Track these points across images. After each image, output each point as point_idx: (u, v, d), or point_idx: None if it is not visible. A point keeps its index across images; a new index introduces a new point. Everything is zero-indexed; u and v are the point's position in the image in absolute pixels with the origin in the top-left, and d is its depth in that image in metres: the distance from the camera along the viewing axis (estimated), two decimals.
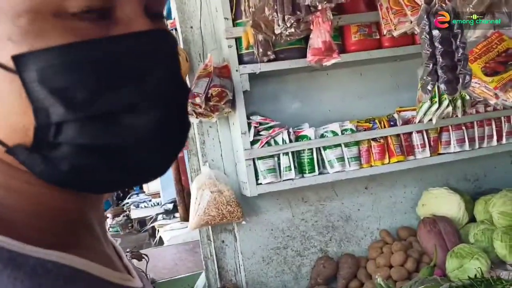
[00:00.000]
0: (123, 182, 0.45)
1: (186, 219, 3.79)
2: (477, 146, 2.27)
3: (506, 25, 1.48)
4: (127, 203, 7.22)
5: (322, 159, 2.16)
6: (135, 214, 6.68)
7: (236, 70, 2.05)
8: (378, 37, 2.13)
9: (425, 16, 1.35)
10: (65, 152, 0.40)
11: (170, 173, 4.37)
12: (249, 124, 2.08)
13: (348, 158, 2.14)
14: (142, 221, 6.55)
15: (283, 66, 2.07)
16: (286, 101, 2.28)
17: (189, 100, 1.99)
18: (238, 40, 2.06)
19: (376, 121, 2.21)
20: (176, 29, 2.27)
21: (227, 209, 2.11)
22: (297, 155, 2.12)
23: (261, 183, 2.07)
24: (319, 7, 1.51)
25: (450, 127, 2.23)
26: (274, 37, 1.78)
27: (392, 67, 2.35)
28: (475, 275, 1.86)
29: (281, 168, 2.09)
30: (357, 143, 2.15)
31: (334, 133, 2.14)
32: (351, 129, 2.15)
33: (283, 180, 2.08)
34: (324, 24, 1.65)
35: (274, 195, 2.22)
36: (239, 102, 2.05)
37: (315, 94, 2.31)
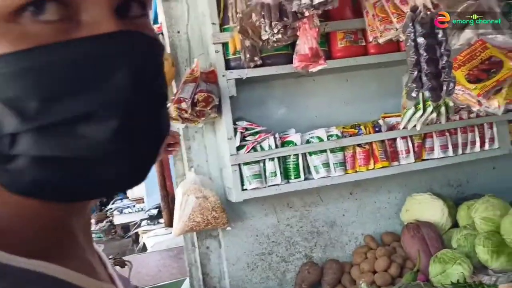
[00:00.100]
0: (90, 193, 0.43)
1: (170, 225, 3.75)
2: (460, 152, 2.31)
3: (489, 33, 1.51)
4: (111, 208, 7.13)
5: (308, 165, 2.16)
6: (118, 219, 6.61)
7: (223, 75, 2.04)
8: (364, 43, 2.16)
9: (410, 24, 1.37)
10: (23, 164, 0.39)
11: (155, 178, 4.34)
12: (235, 130, 2.08)
13: (333, 164, 2.15)
14: (125, 227, 6.47)
15: (269, 72, 2.07)
16: (272, 107, 2.29)
17: (175, 105, 1.98)
18: (225, 45, 2.06)
19: (362, 127, 2.23)
20: (162, 34, 2.26)
21: (212, 215, 2.10)
22: (282, 160, 2.12)
23: (246, 189, 2.06)
24: (306, 14, 1.52)
25: (434, 133, 2.26)
26: (261, 43, 1.79)
27: (377, 73, 2.37)
28: (458, 280, 1.88)
29: (267, 174, 2.09)
30: (342, 148, 2.16)
31: (320, 139, 2.15)
32: (336, 135, 2.17)
33: (269, 186, 2.08)
34: (310, 31, 1.66)
35: (259, 200, 2.21)
36: (226, 108, 2.05)
37: (301, 100, 2.32)
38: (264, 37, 1.66)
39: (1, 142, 0.38)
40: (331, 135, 2.17)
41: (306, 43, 1.70)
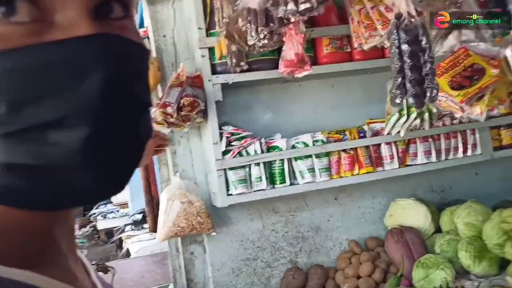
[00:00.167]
0: (64, 202, 0.41)
1: (155, 230, 3.72)
2: (443, 158, 2.34)
3: (472, 41, 1.54)
4: (94, 213, 7.04)
5: (293, 170, 2.17)
6: (102, 225, 6.52)
7: (209, 80, 2.04)
8: (349, 50, 2.18)
9: (394, 31, 1.39)
10: None
11: (140, 182, 4.30)
12: (221, 134, 2.07)
13: (318, 169, 2.16)
14: (109, 232, 6.39)
15: (256, 77, 2.08)
16: (258, 112, 2.29)
17: (161, 110, 1.97)
18: (211, 50, 2.06)
19: (347, 132, 2.24)
20: (148, 38, 2.25)
21: (197, 220, 2.08)
22: (268, 165, 2.12)
23: (231, 194, 2.06)
24: (292, 20, 1.53)
25: (417, 139, 2.29)
26: (247, 48, 1.79)
27: (362, 79, 2.40)
28: (440, 285, 1.90)
29: (252, 179, 2.08)
30: (328, 154, 2.18)
31: (305, 144, 2.16)
32: (322, 140, 2.18)
33: (254, 191, 2.08)
34: (296, 37, 1.67)
35: (244, 205, 2.21)
36: (211, 112, 2.04)
37: (287, 105, 2.33)
38: (250, 42, 1.66)
39: None
40: (317, 141, 2.18)
41: (292, 48, 1.71)
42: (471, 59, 1.72)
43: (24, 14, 0.37)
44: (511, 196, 2.38)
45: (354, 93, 2.41)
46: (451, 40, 1.44)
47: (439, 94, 1.48)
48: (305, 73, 1.79)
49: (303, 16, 1.46)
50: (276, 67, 1.94)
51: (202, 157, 2.22)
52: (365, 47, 1.75)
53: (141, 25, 2.45)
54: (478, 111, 1.72)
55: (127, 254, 4.54)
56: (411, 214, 2.31)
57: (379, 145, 2.26)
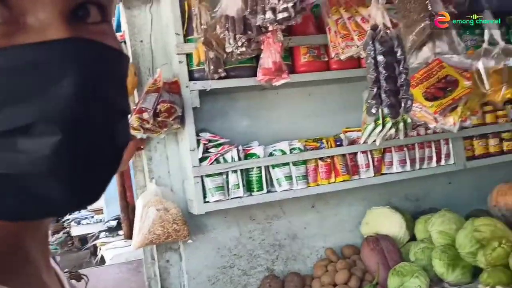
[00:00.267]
0: (34, 213, 0.39)
1: (130, 237, 3.66)
2: (417, 167, 2.38)
3: (446, 53, 1.57)
4: (68, 219, 6.89)
5: (271, 178, 2.17)
6: (76, 231, 6.39)
7: (186, 86, 2.03)
8: (326, 59, 2.20)
9: (370, 42, 1.40)
10: None
11: (115, 188, 4.23)
12: (198, 141, 2.06)
13: (295, 177, 2.17)
14: (83, 239, 6.27)
15: (233, 84, 2.08)
16: (236, 119, 2.29)
17: (137, 115, 1.95)
18: (189, 56, 2.04)
19: (324, 140, 2.26)
20: (125, 42, 2.22)
21: (173, 227, 2.06)
22: (245, 173, 2.12)
23: (208, 201, 2.04)
24: (270, 28, 1.54)
25: (392, 148, 2.32)
26: (225, 55, 1.78)
27: (339, 88, 2.42)
28: None
29: (230, 186, 2.08)
30: (305, 162, 2.18)
31: (283, 152, 2.16)
32: (299, 148, 2.19)
33: (231, 198, 2.07)
34: (274, 45, 1.67)
35: (221, 213, 2.20)
36: (189, 119, 2.03)
37: (264, 113, 2.33)
38: (228, 50, 1.66)
39: None
40: (294, 148, 2.18)
41: (270, 57, 1.71)
42: (445, 70, 1.75)
43: None
44: (484, 205, 2.43)
45: (331, 101, 2.43)
46: (426, 51, 1.47)
47: (413, 104, 1.50)
48: (282, 81, 1.80)
49: (281, 25, 1.47)
50: (254, 74, 1.94)
51: (179, 163, 2.20)
52: (342, 57, 1.77)
53: (118, 29, 2.42)
54: (451, 121, 1.75)
55: (102, 261, 4.45)
56: (387, 222, 2.33)
57: (355, 153, 2.28)
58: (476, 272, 2.04)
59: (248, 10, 1.47)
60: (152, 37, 2.19)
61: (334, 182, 2.23)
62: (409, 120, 2.06)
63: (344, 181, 2.23)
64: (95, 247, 5.26)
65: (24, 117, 0.35)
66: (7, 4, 0.36)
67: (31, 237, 0.44)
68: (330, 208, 2.44)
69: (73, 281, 2.39)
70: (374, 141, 2.16)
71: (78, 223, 6.51)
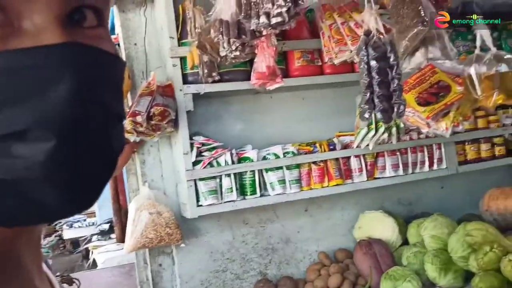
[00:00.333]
0: (28, 218, 0.39)
1: (122, 240, 3.63)
2: (410, 171, 2.39)
3: (438, 58, 1.58)
4: (60, 222, 6.85)
5: (264, 181, 2.17)
6: (67, 234, 6.33)
7: (180, 90, 2.03)
8: (320, 63, 2.20)
9: (363, 47, 1.41)
10: None
11: (107, 191, 4.21)
12: (191, 145, 2.06)
13: (289, 181, 2.17)
14: (75, 242, 6.21)
15: (227, 88, 2.08)
16: (229, 123, 2.29)
17: (130, 118, 1.94)
18: (183, 59, 2.04)
19: (317, 144, 2.26)
20: (119, 45, 2.22)
21: (166, 231, 2.05)
22: (239, 176, 2.12)
23: (201, 205, 2.04)
24: (264, 33, 1.54)
25: (385, 153, 2.33)
26: (219, 59, 1.79)
27: (332, 92, 2.43)
28: None
29: (223, 190, 2.07)
30: (298, 166, 2.19)
31: (276, 156, 2.16)
32: (292, 152, 2.19)
33: (225, 202, 2.07)
34: (268, 49, 1.68)
35: (214, 217, 2.19)
36: (182, 122, 2.02)
37: (258, 116, 2.33)
38: (222, 54, 1.66)
39: None
40: (287, 152, 2.19)
41: (263, 61, 1.72)
42: (437, 76, 1.77)
43: None
44: (475, 210, 2.45)
45: (324, 106, 2.44)
46: (418, 57, 1.48)
47: (406, 109, 1.51)
48: (276, 85, 1.80)
49: (274, 29, 1.47)
50: (248, 78, 1.94)
51: (172, 167, 2.19)
52: (336, 61, 1.78)
53: (112, 32, 2.41)
54: (443, 127, 1.76)
55: (94, 264, 4.43)
56: (379, 226, 2.34)
57: (348, 157, 2.28)
58: (468, 276, 2.05)
59: (242, 14, 1.47)
60: (146, 40, 2.18)
61: (327, 186, 2.23)
62: (401, 125, 2.07)
63: (337, 185, 2.24)
64: (87, 250, 5.22)
65: (19, 122, 0.35)
66: (2, 8, 0.35)
67: (23, 242, 0.44)
68: (323, 212, 2.44)
69: (65, 285, 2.37)
70: (367, 145, 2.17)
71: (70, 226, 6.46)
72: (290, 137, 2.31)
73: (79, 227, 6.36)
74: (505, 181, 2.61)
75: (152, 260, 2.20)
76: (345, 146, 2.31)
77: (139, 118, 1.94)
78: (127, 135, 1.98)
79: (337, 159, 2.26)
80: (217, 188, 2.06)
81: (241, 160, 2.14)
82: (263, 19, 1.42)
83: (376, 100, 1.38)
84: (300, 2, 1.34)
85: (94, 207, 6.16)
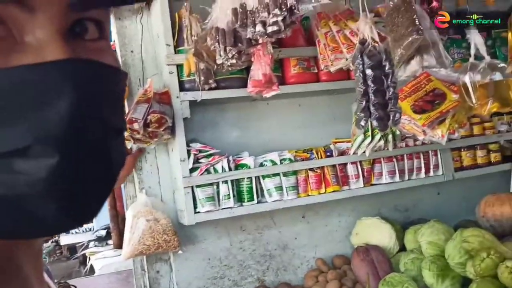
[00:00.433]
0: (29, 232, 0.39)
1: (119, 247, 3.63)
2: (406, 178, 2.39)
3: (433, 66, 1.59)
4: None
5: (261, 188, 2.17)
6: (65, 240, 6.31)
7: (177, 97, 2.03)
8: (316, 71, 2.21)
9: (359, 56, 1.42)
10: None
11: None
12: (188, 152, 2.06)
13: (286, 187, 2.17)
14: (72, 248, 6.19)
15: (224, 95, 2.08)
16: (226, 129, 2.29)
17: (127, 126, 1.94)
18: (179, 67, 2.05)
19: (314, 151, 2.27)
20: (115, 52, 2.22)
21: (163, 238, 2.05)
22: (236, 183, 2.12)
23: (199, 212, 2.04)
24: (260, 41, 1.55)
25: (382, 159, 2.34)
26: (215, 66, 1.79)
27: (329, 99, 2.44)
28: None
29: (220, 197, 2.07)
30: (295, 172, 2.19)
31: (273, 162, 2.17)
32: (289, 159, 2.19)
33: (222, 209, 2.07)
34: (264, 57, 1.68)
35: (212, 223, 2.19)
36: (179, 129, 2.03)
37: (254, 123, 2.34)
38: (218, 62, 1.67)
39: None
40: (284, 159, 2.19)
41: (260, 69, 1.72)
42: (433, 84, 1.78)
43: None
44: (472, 216, 2.45)
45: (320, 112, 2.44)
46: (414, 65, 1.49)
47: (402, 117, 1.52)
48: (272, 93, 1.81)
49: (271, 38, 1.48)
50: (244, 85, 1.95)
51: (169, 174, 2.20)
52: (331, 69, 1.79)
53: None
54: (439, 134, 1.77)
55: (91, 271, 4.41)
56: (376, 232, 2.34)
57: (345, 164, 2.29)
58: (465, 282, 2.05)
59: (238, 23, 1.48)
60: (143, 48, 2.19)
61: (324, 192, 2.24)
62: (398, 132, 2.08)
63: (334, 191, 2.24)
64: (84, 256, 5.21)
65: (21, 139, 0.35)
66: (4, 22, 0.35)
67: (24, 253, 0.44)
68: (320, 219, 2.45)
69: None
70: (364, 152, 2.17)
71: (67, 232, 6.44)
72: (286, 144, 2.32)
73: (76, 233, 6.34)
74: (501, 187, 2.62)
75: (150, 267, 2.19)
76: (342, 153, 2.32)
77: (136, 125, 1.94)
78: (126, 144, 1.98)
79: (334, 166, 2.26)
80: (214, 195, 2.06)
81: (238, 166, 2.14)
82: (259, 27, 1.43)
83: (372, 108, 1.39)
84: (295, 11, 1.36)
85: None
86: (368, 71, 1.39)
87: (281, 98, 2.27)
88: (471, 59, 1.70)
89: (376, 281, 2.13)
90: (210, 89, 2.03)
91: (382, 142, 2.05)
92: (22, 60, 0.36)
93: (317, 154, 2.26)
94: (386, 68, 1.39)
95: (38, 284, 0.46)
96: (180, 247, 2.09)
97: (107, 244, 4.91)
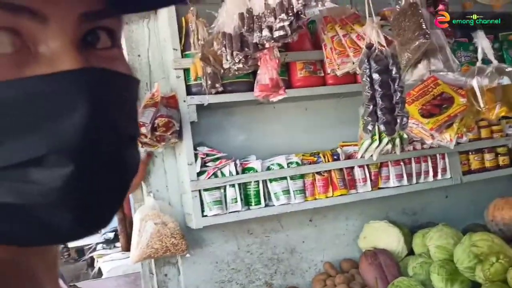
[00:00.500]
0: (44, 240, 0.40)
1: (127, 249, 3.64)
2: (414, 181, 2.38)
3: (441, 70, 1.58)
4: None
5: (268, 192, 2.17)
6: (72, 242, 6.35)
7: (184, 101, 2.04)
8: (322, 74, 2.21)
9: (366, 60, 1.42)
10: None
11: None
12: (196, 155, 2.06)
13: (293, 191, 2.17)
14: (80, 250, 6.22)
15: (231, 99, 2.09)
16: (233, 133, 2.29)
17: None
18: (186, 71, 2.06)
19: (321, 155, 2.27)
20: None
21: (171, 241, 2.06)
22: (243, 187, 2.12)
23: (206, 215, 2.04)
24: (267, 45, 1.55)
25: (389, 163, 2.33)
26: (222, 70, 1.80)
27: (335, 103, 2.43)
28: None
29: (227, 200, 2.08)
30: (302, 176, 2.19)
31: (280, 166, 2.17)
32: (296, 162, 2.19)
33: (229, 212, 2.07)
34: (271, 62, 1.69)
35: (219, 227, 2.19)
36: (186, 133, 2.04)
37: (261, 127, 2.34)
38: (225, 66, 1.68)
39: None
40: (291, 163, 2.19)
41: (266, 73, 1.73)
42: (440, 88, 1.77)
43: (7, 45, 0.35)
44: (480, 219, 2.43)
45: (327, 116, 2.44)
46: (421, 69, 1.48)
47: (410, 121, 1.51)
48: (279, 97, 1.81)
49: (277, 42, 1.48)
50: (251, 89, 1.95)
51: (177, 177, 2.20)
52: (338, 73, 1.79)
53: None
54: (447, 138, 1.76)
55: (99, 273, 4.43)
56: (384, 236, 2.33)
57: (352, 168, 2.28)
58: (474, 287, 2.04)
59: (245, 28, 1.49)
60: (150, 52, 2.20)
61: (332, 196, 2.23)
62: (405, 136, 2.08)
63: (341, 195, 2.24)
64: (92, 258, 5.23)
65: (36, 149, 0.35)
66: (18, 33, 0.36)
67: (39, 259, 0.44)
68: (328, 222, 2.44)
69: None
70: (371, 156, 2.17)
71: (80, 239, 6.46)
72: (293, 147, 2.32)
73: None
74: (510, 191, 2.60)
75: (158, 270, 2.20)
76: (349, 156, 2.32)
77: (143, 129, 1.95)
78: None
79: (341, 169, 2.26)
80: (222, 199, 2.07)
81: (245, 170, 2.14)
82: (265, 32, 1.43)
83: (379, 113, 1.39)
84: (302, 16, 1.36)
85: None
86: (375, 76, 1.39)
87: (287, 102, 2.27)
88: (479, 63, 1.69)
89: (384, 285, 2.12)
90: (217, 93, 2.03)
91: (389, 146, 2.04)
92: (36, 71, 0.36)
93: (324, 157, 2.26)
94: (393, 72, 1.39)
95: None
96: (188, 250, 2.09)
97: (115, 246, 4.92)
